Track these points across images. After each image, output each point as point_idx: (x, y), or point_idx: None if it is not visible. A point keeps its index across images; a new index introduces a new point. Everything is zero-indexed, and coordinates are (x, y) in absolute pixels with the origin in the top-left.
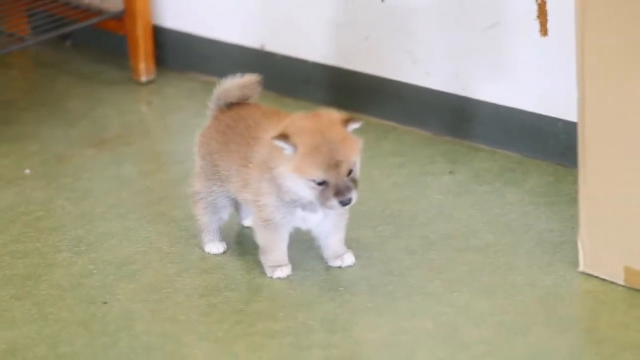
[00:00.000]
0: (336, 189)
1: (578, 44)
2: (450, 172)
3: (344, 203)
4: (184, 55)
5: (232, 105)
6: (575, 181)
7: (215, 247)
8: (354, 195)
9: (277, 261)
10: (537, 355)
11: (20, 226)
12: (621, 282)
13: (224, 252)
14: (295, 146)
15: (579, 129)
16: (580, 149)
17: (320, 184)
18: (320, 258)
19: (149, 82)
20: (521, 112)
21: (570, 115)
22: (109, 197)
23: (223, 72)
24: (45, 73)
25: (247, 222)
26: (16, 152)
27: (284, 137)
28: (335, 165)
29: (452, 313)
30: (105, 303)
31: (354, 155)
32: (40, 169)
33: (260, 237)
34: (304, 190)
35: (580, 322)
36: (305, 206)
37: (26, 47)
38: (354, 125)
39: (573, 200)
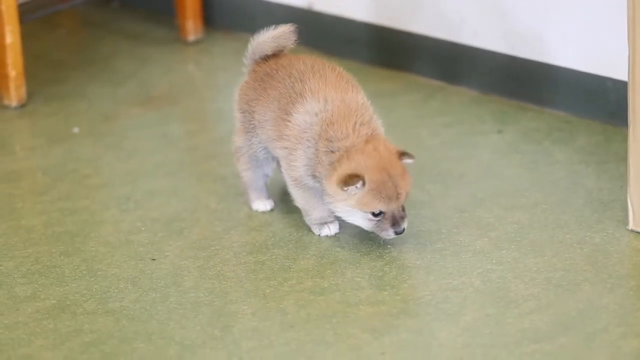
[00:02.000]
0: (393, 220)
1: (629, 0)
2: (499, 131)
3: (398, 233)
4: (232, 15)
5: (269, 57)
6: (624, 140)
7: (262, 204)
8: (406, 224)
9: (321, 218)
10: (586, 312)
11: (68, 184)
12: None
13: (272, 210)
14: (363, 184)
15: (629, 87)
16: (630, 107)
17: (376, 215)
18: None
19: (196, 42)
20: (570, 71)
21: (620, 74)
22: (156, 155)
23: None
24: (92, 33)
25: None
26: (64, 111)
27: (357, 178)
28: (396, 198)
29: (500, 270)
30: (153, 260)
31: (410, 187)
32: (88, 128)
33: (296, 197)
34: (360, 220)
35: (629, 280)
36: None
37: (74, 6)
38: (409, 161)
39: (622, 159)
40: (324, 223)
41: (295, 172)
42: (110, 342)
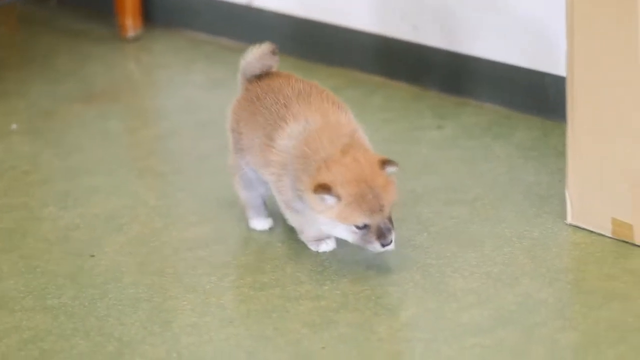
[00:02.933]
0: (378, 232)
1: None
2: (439, 127)
3: (385, 245)
4: (171, 12)
5: (263, 76)
6: (563, 135)
7: (260, 223)
8: (394, 236)
9: (316, 236)
10: (525, 305)
11: (7, 180)
12: (608, 234)
13: (270, 228)
14: (339, 197)
15: (568, 83)
16: (568, 102)
17: (361, 228)
18: None
19: (136, 39)
20: (509, 67)
21: (559, 70)
22: (96, 152)
23: (210, 28)
24: (31, 31)
25: None
26: (3, 108)
27: (326, 189)
28: (379, 210)
29: (439, 265)
30: (92, 256)
31: (394, 197)
32: (27, 125)
33: (290, 219)
34: (343, 233)
35: (567, 274)
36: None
37: (11, 3)
38: (392, 169)
39: (561, 153)
40: (320, 240)
41: (285, 196)
42: (49, 339)
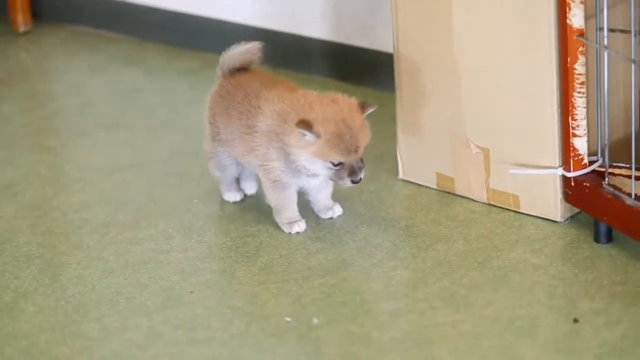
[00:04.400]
0: (350, 170)
1: None
2: None
3: (355, 182)
4: (57, 8)
5: (235, 73)
6: (394, 104)
7: (232, 195)
8: (363, 174)
9: (291, 218)
10: (364, 249)
11: None
12: (434, 186)
13: (241, 200)
14: (318, 134)
15: (395, 58)
16: (396, 76)
17: (336, 165)
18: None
19: (26, 33)
20: (348, 47)
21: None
22: None
23: (93, 22)
24: None
25: (249, 190)
26: None
27: (307, 125)
28: (354, 150)
29: None
30: None
31: (368, 139)
32: None
33: (272, 198)
34: (319, 169)
35: (400, 221)
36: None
37: None
38: (370, 110)
39: (393, 119)
40: (293, 222)
41: (273, 174)
42: None
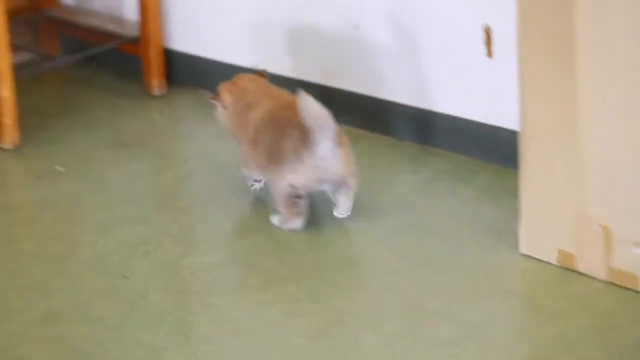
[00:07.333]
0: None
1: (519, 66)
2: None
3: None
4: (189, 74)
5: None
6: (517, 179)
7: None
8: None
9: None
10: (485, 321)
11: (52, 213)
12: (554, 262)
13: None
14: (225, 106)
15: (520, 135)
16: (521, 152)
17: None
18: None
19: (160, 96)
20: (472, 122)
21: (513, 125)
22: (127, 189)
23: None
24: (74, 88)
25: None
26: (48, 152)
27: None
28: None
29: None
30: (125, 277)
31: None
32: (68, 166)
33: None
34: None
35: (520, 294)
36: None
37: (57, 66)
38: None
39: (515, 194)
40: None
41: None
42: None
